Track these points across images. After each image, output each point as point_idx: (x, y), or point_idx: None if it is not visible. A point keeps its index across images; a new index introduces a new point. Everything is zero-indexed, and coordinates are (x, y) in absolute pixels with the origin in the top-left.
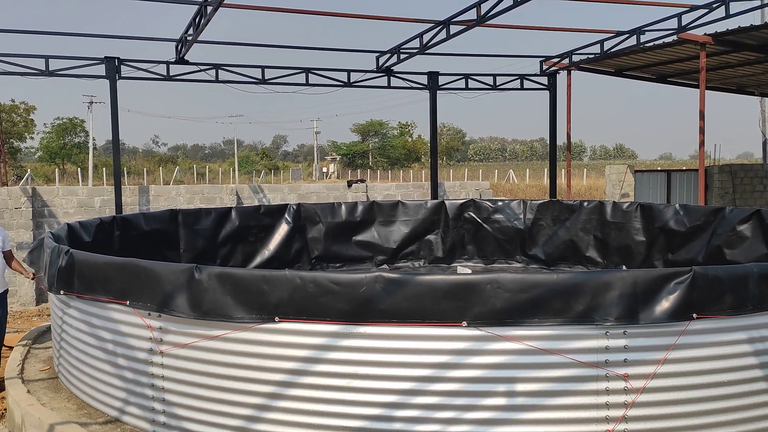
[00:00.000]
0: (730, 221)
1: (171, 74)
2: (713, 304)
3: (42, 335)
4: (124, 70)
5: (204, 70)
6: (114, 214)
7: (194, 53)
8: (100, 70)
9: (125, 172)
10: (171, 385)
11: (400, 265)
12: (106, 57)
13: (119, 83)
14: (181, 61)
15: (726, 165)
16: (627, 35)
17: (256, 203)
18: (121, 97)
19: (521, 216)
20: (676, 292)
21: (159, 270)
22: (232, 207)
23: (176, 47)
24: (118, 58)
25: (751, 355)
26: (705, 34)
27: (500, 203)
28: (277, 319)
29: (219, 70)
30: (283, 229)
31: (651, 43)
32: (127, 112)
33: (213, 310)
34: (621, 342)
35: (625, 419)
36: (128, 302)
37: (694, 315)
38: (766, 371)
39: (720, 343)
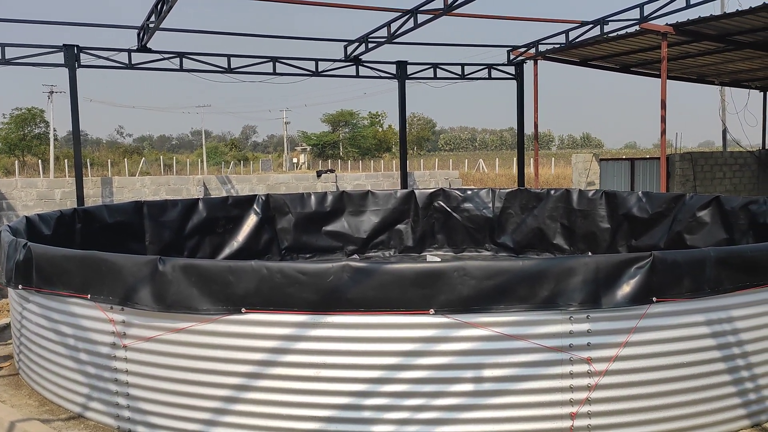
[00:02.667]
0: (691, 208)
1: (133, 63)
2: (672, 288)
3: (1, 331)
4: (84, 59)
5: (167, 58)
6: (75, 206)
7: (158, 41)
8: (59, 58)
9: (88, 164)
10: (135, 379)
11: (370, 254)
12: (64, 45)
13: (80, 72)
14: (143, 49)
15: (687, 153)
16: (591, 25)
17: (224, 194)
18: (84, 87)
19: (490, 205)
20: (636, 277)
21: (121, 262)
22: (199, 198)
23: (138, 35)
24: (78, 46)
25: (709, 337)
26: (666, 24)
27: (469, 192)
28: (243, 310)
29: (183, 59)
30: (251, 221)
31: (614, 33)
32: (89, 102)
33: (178, 302)
34: (584, 326)
35: (588, 401)
36: (89, 296)
37: (654, 299)
38: (724, 352)
39: (679, 326)
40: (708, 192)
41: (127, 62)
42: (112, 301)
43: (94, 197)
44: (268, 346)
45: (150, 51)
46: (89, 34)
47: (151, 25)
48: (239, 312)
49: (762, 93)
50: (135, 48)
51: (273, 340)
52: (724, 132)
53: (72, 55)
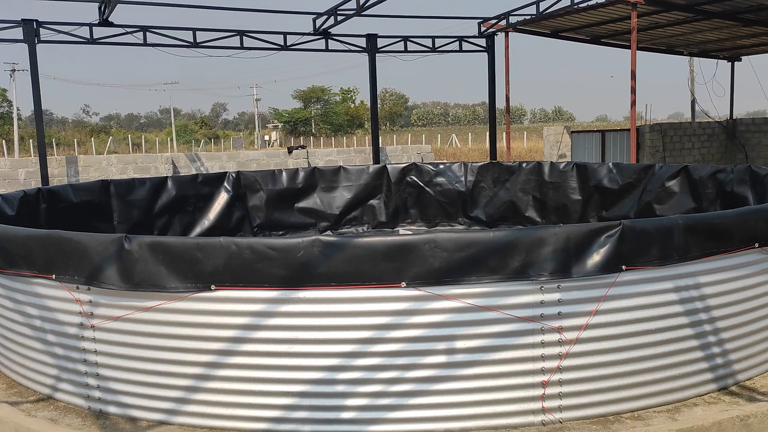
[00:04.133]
0: (660, 177)
1: (95, 37)
2: (641, 256)
3: None
4: (44, 34)
5: (130, 32)
6: (40, 186)
7: (121, 15)
8: (18, 33)
9: (54, 144)
10: (104, 359)
11: (343, 230)
12: (23, 19)
13: (44, 49)
14: (105, 23)
15: (657, 124)
16: None
17: (194, 172)
18: (48, 64)
19: (462, 178)
20: (606, 246)
21: (86, 241)
22: (168, 176)
23: (99, 8)
24: (37, 21)
25: (677, 303)
26: None
27: (442, 166)
28: (213, 287)
29: (147, 33)
30: (222, 198)
31: (585, 4)
32: (53, 80)
33: (145, 280)
34: (555, 296)
35: (559, 369)
36: (54, 276)
37: (624, 267)
38: (691, 318)
39: (648, 293)
40: (677, 162)
41: (89, 37)
42: (77, 281)
43: (59, 177)
44: (238, 322)
45: (112, 25)
46: (50, 8)
47: None
48: (209, 289)
49: (730, 63)
50: (96, 22)
51: (244, 317)
52: (693, 103)
53: (31, 30)
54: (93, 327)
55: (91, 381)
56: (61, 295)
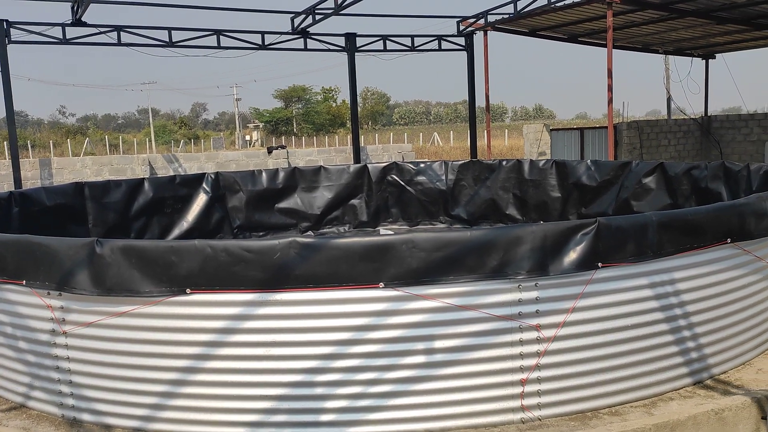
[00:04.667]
0: (636, 174)
1: (68, 37)
2: (617, 253)
3: None
4: (15, 34)
5: (104, 32)
6: (12, 189)
7: (94, 15)
8: None
9: (29, 146)
10: (78, 366)
11: (325, 230)
12: None
13: (11, 48)
14: (78, 22)
15: (634, 122)
16: None
17: (172, 173)
18: (22, 65)
19: (443, 177)
20: (582, 243)
21: (56, 246)
22: (144, 178)
23: (72, 8)
24: (7, 21)
25: (652, 299)
26: None
27: (422, 165)
28: (188, 290)
29: (121, 33)
30: (201, 200)
31: (561, 3)
32: (27, 81)
33: (118, 285)
34: (533, 294)
35: (538, 367)
36: (25, 282)
37: (600, 264)
38: (667, 313)
39: (623, 290)
40: (654, 159)
41: (62, 37)
42: (48, 287)
43: (32, 179)
44: (215, 326)
45: (85, 25)
46: (21, 8)
47: None
48: (184, 293)
49: (704, 61)
50: (69, 22)
51: (220, 320)
52: (669, 100)
53: (1, 31)
54: (65, 333)
55: (65, 388)
56: (32, 301)
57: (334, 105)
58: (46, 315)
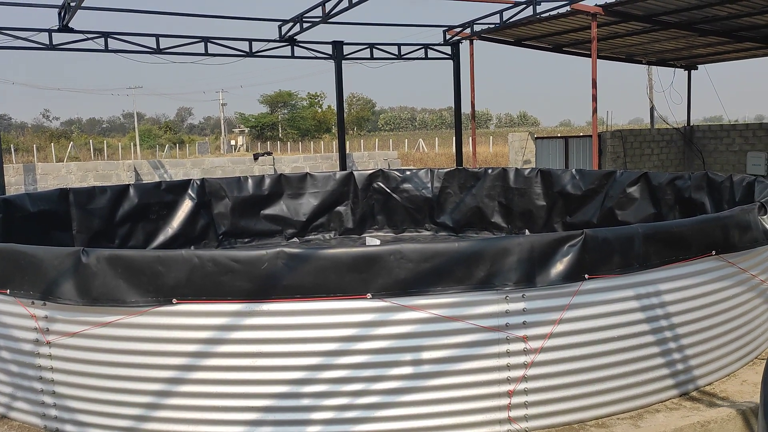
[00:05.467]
0: (621, 184)
1: (54, 43)
2: (603, 265)
3: None
4: (1, 39)
5: (91, 38)
6: None
7: (81, 21)
8: None
9: (12, 150)
10: (61, 376)
11: (310, 237)
12: None
13: None
14: (65, 29)
15: (617, 131)
16: (524, 5)
17: (157, 179)
18: (6, 69)
19: (429, 185)
20: (569, 255)
21: (41, 255)
22: (129, 184)
23: (59, 14)
24: None
25: (638, 311)
26: (596, 5)
27: (408, 173)
28: (174, 301)
29: (108, 39)
30: (187, 206)
31: (546, 14)
32: (11, 84)
33: (104, 295)
34: (520, 305)
35: (525, 378)
36: (8, 291)
37: (586, 275)
38: (652, 325)
39: (610, 301)
40: (638, 168)
41: (48, 43)
42: (33, 296)
43: (16, 185)
44: (201, 336)
45: (72, 31)
46: (7, 13)
47: (73, 4)
48: (170, 303)
49: (687, 71)
50: (56, 28)
51: (207, 331)
52: (652, 110)
53: None
54: (49, 343)
55: (48, 399)
56: (15, 310)
57: (319, 110)
58: (30, 325)
